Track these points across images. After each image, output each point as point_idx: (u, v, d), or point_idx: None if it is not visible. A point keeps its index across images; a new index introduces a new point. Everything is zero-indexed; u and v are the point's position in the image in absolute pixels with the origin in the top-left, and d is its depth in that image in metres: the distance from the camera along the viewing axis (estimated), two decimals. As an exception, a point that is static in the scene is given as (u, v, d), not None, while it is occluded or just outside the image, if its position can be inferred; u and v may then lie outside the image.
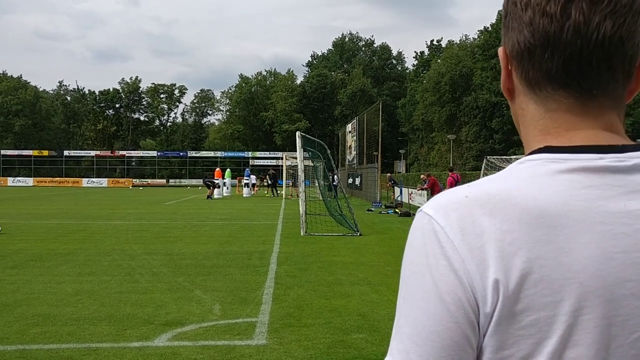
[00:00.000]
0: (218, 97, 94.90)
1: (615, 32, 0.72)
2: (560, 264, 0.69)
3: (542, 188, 0.72)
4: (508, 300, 0.69)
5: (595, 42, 0.72)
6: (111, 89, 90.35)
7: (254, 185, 39.70)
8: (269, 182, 38.98)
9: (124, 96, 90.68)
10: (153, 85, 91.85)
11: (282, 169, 40.17)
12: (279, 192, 38.00)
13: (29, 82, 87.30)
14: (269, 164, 69.17)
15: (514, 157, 16.43)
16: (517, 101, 0.84)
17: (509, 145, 53.40)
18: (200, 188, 57.53)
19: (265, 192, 39.60)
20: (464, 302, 0.70)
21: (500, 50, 0.84)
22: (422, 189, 21.32)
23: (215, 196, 33.95)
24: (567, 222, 0.70)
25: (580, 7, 0.72)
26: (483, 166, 16.85)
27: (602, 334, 0.68)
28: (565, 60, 0.74)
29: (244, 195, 36.53)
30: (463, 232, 0.71)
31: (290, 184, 37.28)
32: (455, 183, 19.11)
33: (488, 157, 17.17)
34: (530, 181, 0.73)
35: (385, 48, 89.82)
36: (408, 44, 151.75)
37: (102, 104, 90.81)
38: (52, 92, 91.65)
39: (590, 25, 0.72)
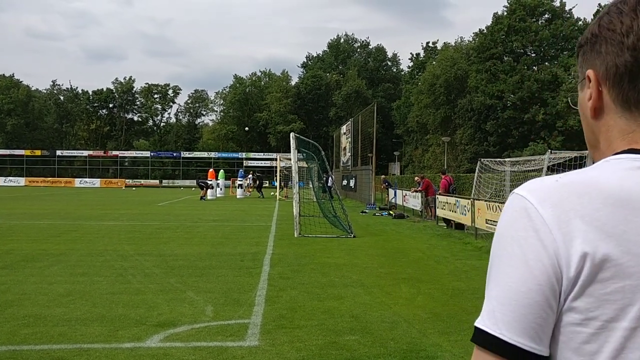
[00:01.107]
0: (212, 98, 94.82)
1: None
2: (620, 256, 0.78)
3: (624, 178, 0.82)
4: (594, 268, 0.78)
5: None
6: (104, 89, 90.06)
7: (248, 185, 39.81)
8: (253, 184, 39.25)
9: (117, 96, 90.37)
10: (147, 86, 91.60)
11: (275, 170, 40.10)
12: (263, 194, 38.27)
13: (21, 81, 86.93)
14: (264, 165, 69.17)
15: (508, 159, 16.48)
16: (605, 118, 0.91)
17: (503, 147, 53.56)
18: (193, 189, 57.43)
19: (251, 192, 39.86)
20: (548, 268, 0.80)
21: (590, 72, 0.91)
22: (416, 191, 21.34)
23: (209, 197, 33.88)
24: None
25: None
26: (477, 169, 16.89)
27: None
28: None
29: (238, 197, 36.47)
30: (553, 207, 0.81)
31: (283, 185, 37.34)
32: (448, 185, 19.15)
33: (482, 159, 17.21)
34: (614, 173, 0.83)
35: (380, 50, 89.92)
36: (403, 46, 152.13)
37: (96, 104, 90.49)
38: (45, 91, 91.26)
39: None
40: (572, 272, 0.79)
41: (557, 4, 58.59)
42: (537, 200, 0.83)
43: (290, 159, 19.66)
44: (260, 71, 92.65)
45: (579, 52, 0.96)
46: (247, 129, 74.64)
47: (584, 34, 0.95)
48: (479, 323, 0.87)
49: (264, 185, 40.78)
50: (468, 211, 14.48)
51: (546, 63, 58.00)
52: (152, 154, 79.42)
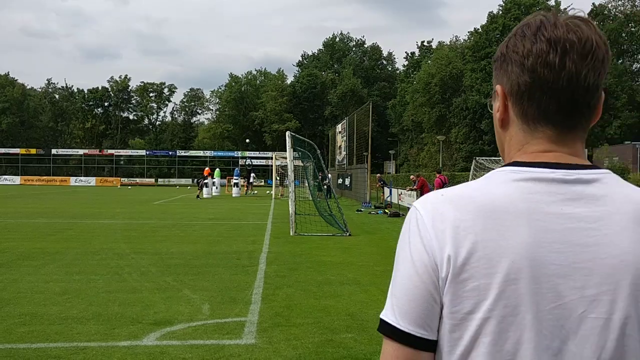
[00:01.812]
0: (208, 97, 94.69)
1: (595, 81, 0.95)
2: (499, 246, 0.91)
3: (497, 190, 0.96)
4: (456, 270, 0.92)
5: (582, 88, 0.95)
6: (100, 88, 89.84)
7: (250, 184, 40.14)
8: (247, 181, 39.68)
9: (112, 95, 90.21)
10: (142, 84, 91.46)
11: (271, 169, 40.16)
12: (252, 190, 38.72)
13: (16, 80, 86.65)
14: (260, 163, 69.10)
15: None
16: (510, 130, 1.04)
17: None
18: (189, 188, 57.34)
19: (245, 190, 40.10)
20: (429, 268, 0.95)
21: (498, 87, 1.03)
22: (412, 190, 21.39)
23: (204, 195, 33.87)
24: (509, 216, 0.92)
25: (573, 60, 0.93)
26: (472, 167, 16.94)
27: (525, 303, 0.90)
28: (561, 102, 0.96)
29: (233, 195, 36.46)
30: (433, 219, 0.96)
31: (279, 183, 37.41)
32: (442, 184, 19.19)
33: (477, 158, 17.26)
34: (490, 185, 0.97)
35: (375, 48, 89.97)
36: (399, 45, 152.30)
37: (91, 103, 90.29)
38: (40, 90, 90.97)
39: (580, 75, 0.94)
40: (443, 272, 0.94)
41: (552, 2, 58.67)
42: (424, 211, 0.98)
43: (286, 158, 19.67)
44: (255, 70, 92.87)
45: (493, 66, 1.06)
46: (247, 140, 74.63)
47: (496, 51, 1.05)
48: (382, 315, 1.02)
49: (255, 184, 41.03)
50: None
51: (541, 62, 58.14)
52: (147, 152, 79.28)
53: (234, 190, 37.13)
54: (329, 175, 23.78)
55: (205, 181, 34.59)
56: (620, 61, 56.73)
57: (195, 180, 35.19)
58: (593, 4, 57.68)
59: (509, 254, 0.91)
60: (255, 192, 40.13)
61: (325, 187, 22.35)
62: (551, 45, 0.94)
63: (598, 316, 0.91)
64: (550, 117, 0.97)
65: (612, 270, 0.91)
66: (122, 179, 70.35)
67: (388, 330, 0.99)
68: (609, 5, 56.74)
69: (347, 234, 14.45)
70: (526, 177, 0.96)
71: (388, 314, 1.00)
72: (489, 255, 0.91)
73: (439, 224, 0.95)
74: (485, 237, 0.92)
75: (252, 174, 41.81)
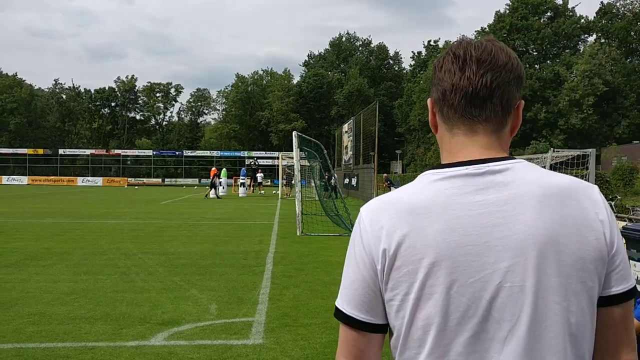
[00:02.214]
0: (214, 97, 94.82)
1: (494, 80, 1.14)
2: (420, 236, 1.10)
3: (419, 192, 1.15)
4: (390, 260, 1.12)
5: (480, 86, 1.14)
6: (107, 88, 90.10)
7: (260, 184, 40.22)
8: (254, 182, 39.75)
9: (119, 95, 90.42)
10: (149, 84, 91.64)
11: (278, 169, 40.20)
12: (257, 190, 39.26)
13: (24, 80, 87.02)
14: (266, 163, 69.16)
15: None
16: (439, 133, 1.25)
17: (504, 146, 53.48)
18: (196, 187, 57.46)
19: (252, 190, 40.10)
20: (367, 263, 1.15)
21: (428, 100, 1.26)
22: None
23: (211, 196, 33.93)
24: (428, 211, 1.11)
25: (471, 66, 1.15)
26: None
27: (448, 279, 1.08)
28: (463, 96, 1.16)
29: (240, 195, 36.50)
30: (371, 222, 1.16)
31: (285, 183, 37.44)
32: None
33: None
34: (415, 188, 1.17)
35: (382, 48, 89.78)
36: (405, 44, 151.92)
37: (98, 103, 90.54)
38: (47, 90, 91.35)
39: (477, 75, 1.14)
40: (379, 265, 1.13)
41: (559, 1, 58.45)
42: (365, 214, 1.19)
43: (292, 158, 19.67)
44: (262, 70, 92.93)
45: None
46: (253, 161, 74.66)
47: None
48: (336, 302, 1.22)
49: (263, 184, 41.07)
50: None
51: (548, 61, 57.93)
52: (154, 152, 79.45)
53: (241, 190, 37.17)
54: (335, 175, 23.77)
55: (218, 180, 34.68)
56: (628, 60, 56.44)
57: (211, 180, 35.30)
58: (601, 2, 57.38)
59: (430, 243, 1.09)
60: (262, 192, 40.14)
61: (330, 186, 22.40)
62: (455, 57, 1.18)
63: (513, 284, 1.07)
64: (460, 113, 1.17)
65: (520, 244, 1.07)
66: (129, 179, 70.54)
67: (339, 315, 1.20)
68: (618, 4, 56.40)
69: (354, 234, 14.43)
70: (443, 177, 1.15)
71: (338, 301, 1.21)
72: (414, 245, 1.10)
73: (376, 225, 1.15)
74: (410, 231, 1.11)
75: (260, 174, 41.82)
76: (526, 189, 1.10)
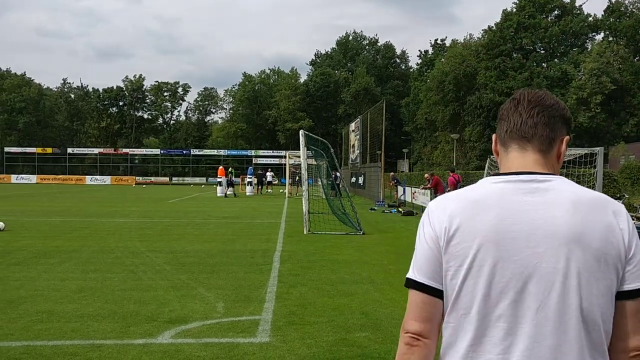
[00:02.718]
0: (221, 96, 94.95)
1: (539, 115, 1.52)
2: (476, 222, 1.42)
3: (478, 189, 1.50)
4: (450, 238, 1.43)
5: (528, 117, 1.53)
6: (115, 87, 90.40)
7: (270, 183, 40.28)
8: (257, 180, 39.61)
9: (127, 94, 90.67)
10: (157, 84, 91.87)
11: (285, 167, 40.20)
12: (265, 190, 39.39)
13: (32, 80, 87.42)
14: (272, 162, 69.21)
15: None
16: (500, 154, 1.61)
17: (512, 144, 53.26)
18: (203, 186, 57.56)
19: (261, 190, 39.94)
20: (433, 239, 1.46)
21: (494, 135, 1.64)
22: (426, 188, 21.30)
23: (218, 194, 34.00)
24: (484, 204, 1.44)
25: (523, 105, 1.54)
26: (487, 165, 16.82)
27: (495, 257, 1.39)
28: (515, 124, 1.54)
29: (247, 194, 36.57)
30: (438, 208, 1.50)
31: (291, 182, 37.47)
32: (456, 183, 19.07)
33: (491, 156, 17.13)
34: (475, 186, 1.52)
35: (389, 47, 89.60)
36: (412, 43, 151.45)
37: (106, 102, 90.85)
38: (55, 89, 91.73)
39: (527, 111, 1.53)
40: (442, 241, 1.45)
41: (567, 0, 58.13)
42: (434, 203, 1.54)
43: (299, 157, 19.67)
44: (269, 69, 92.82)
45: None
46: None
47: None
48: (407, 274, 1.52)
49: (273, 183, 41.00)
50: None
51: (555, 60, 57.64)
52: (162, 151, 79.74)
53: (248, 188, 37.25)
54: (339, 174, 23.76)
55: (220, 180, 34.74)
56: (637, 58, 56.05)
57: (227, 179, 35.46)
58: (609, 0, 57.01)
59: (483, 228, 1.41)
60: (270, 190, 40.19)
61: (336, 185, 22.39)
62: (513, 101, 1.57)
63: (547, 265, 1.37)
64: (515, 136, 1.54)
65: (554, 236, 1.37)
66: (136, 177, 70.79)
67: (410, 283, 1.50)
68: (626, 2, 56.03)
69: (361, 232, 14.43)
70: (499, 181, 1.48)
71: (410, 273, 1.51)
72: (470, 228, 1.42)
73: (441, 210, 1.48)
74: (468, 217, 1.43)
75: (270, 173, 41.83)
76: (562, 195, 1.42)
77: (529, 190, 1.43)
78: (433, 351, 1.48)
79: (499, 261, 1.37)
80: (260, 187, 38.95)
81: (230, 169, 38.64)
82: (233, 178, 35.41)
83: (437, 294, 1.45)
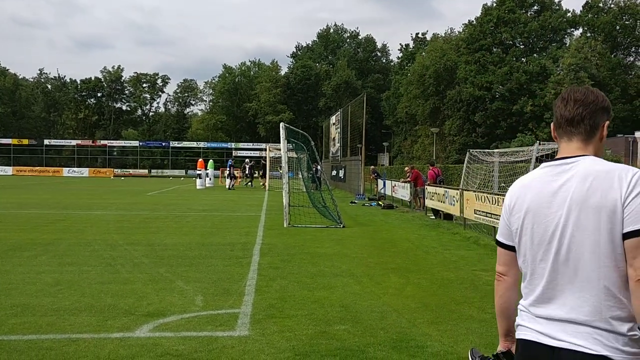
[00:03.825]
0: (201, 87, 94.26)
1: (583, 112, 1.98)
2: (525, 199, 2.03)
3: (531, 174, 2.12)
4: (511, 210, 2.09)
5: (575, 114, 1.99)
6: (93, 78, 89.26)
7: (251, 174, 39.84)
8: (247, 173, 39.26)
9: (105, 85, 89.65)
10: (135, 75, 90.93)
11: (264, 160, 40.00)
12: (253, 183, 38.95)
13: (7, 69, 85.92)
14: (252, 155, 68.99)
15: (497, 150, 16.56)
16: (558, 142, 2.07)
17: (491, 139, 53.73)
18: (182, 179, 57.19)
19: (246, 183, 39.61)
20: (507, 212, 2.12)
21: (552, 124, 2.12)
22: (405, 182, 21.39)
23: (198, 187, 33.78)
24: (529, 185, 2.05)
25: (570, 103, 2.01)
26: (466, 159, 16.94)
27: (532, 221, 2.00)
28: (565, 120, 2.02)
29: (227, 187, 36.39)
30: (511, 190, 2.14)
31: (262, 173, 37.45)
32: (435, 177, 19.20)
33: (471, 150, 17.26)
34: (531, 173, 2.11)
35: (370, 40, 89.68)
36: (393, 37, 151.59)
37: (84, 93, 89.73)
38: (32, 80, 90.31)
39: (573, 110, 2.00)
40: (508, 214, 2.11)
41: (546, -5, 58.59)
42: (507, 192, 2.15)
43: (279, 149, 19.61)
44: (249, 61, 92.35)
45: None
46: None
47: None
48: (496, 236, 2.25)
49: (254, 175, 40.68)
50: (457, 201, 14.54)
51: (534, 55, 58.16)
52: (140, 143, 78.96)
53: (228, 181, 37.07)
54: (319, 166, 23.73)
55: (199, 172, 34.53)
56: (614, 54, 56.80)
57: (228, 172, 35.37)
58: (588, -4, 57.60)
59: (526, 201, 2.03)
60: (249, 183, 39.98)
61: (317, 178, 22.38)
62: (562, 100, 2.05)
63: (565, 223, 1.90)
64: (564, 129, 2.04)
65: (570, 201, 1.89)
66: (115, 169, 70.09)
67: (497, 243, 2.20)
68: (604, -2, 56.71)
69: (341, 225, 14.45)
70: (545, 166, 2.04)
71: (497, 234, 2.22)
72: (521, 203, 2.05)
73: (508, 194, 2.15)
74: (520, 197, 2.06)
75: (249, 164, 41.46)
76: (579, 171, 1.92)
77: (559, 171, 1.97)
78: (512, 284, 2.17)
79: (535, 224, 1.99)
80: (245, 177, 38.74)
81: (210, 161, 38.43)
82: (233, 171, 35.56)
83: (510, 248, 2.12)
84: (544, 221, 1.95)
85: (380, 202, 23.28)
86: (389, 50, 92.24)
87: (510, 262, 2.12)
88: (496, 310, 2.25)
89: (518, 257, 2.08)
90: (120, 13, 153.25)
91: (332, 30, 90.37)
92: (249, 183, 38.92)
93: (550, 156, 13.94)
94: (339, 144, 37.62)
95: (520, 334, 2.06)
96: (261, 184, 37.56)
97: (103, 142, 79.31)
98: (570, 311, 1.90)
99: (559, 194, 1.92)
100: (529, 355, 2.01)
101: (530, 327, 2.01)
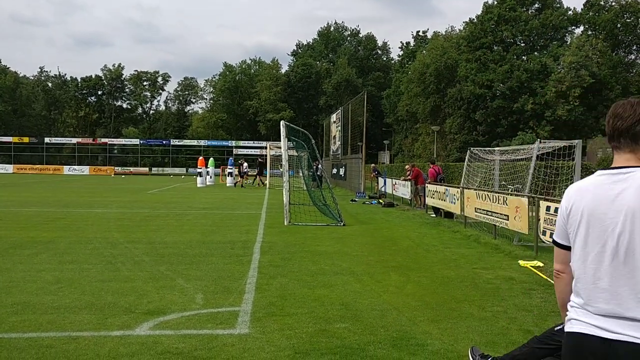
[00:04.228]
0: (202, 86, 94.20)
1: (622, 126, 2.20)
2: (581, 203, 2.23)
3: (587, 180, 2.29)
4: (568, 213, 2.30)
5: (615, 130, 2.24)
6: (93, 76, 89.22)
7: (246, 173, 39.29)
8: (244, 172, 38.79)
9: (106, 83, 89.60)
10: (136, 73, 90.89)
11: (265, 158, 39.92)
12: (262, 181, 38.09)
13: (8, 68, 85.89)
14: (253, 153, 68.93)
15: (498, 148, 16.54)
16: (614, 151, 2.28)
17: (492, 137, 53.68)
18: (183, 177, 57.20)
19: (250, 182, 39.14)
20: (563, 214, 2.33)
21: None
22: (406, 180, 21.38)
23: (198, 185, 33.77)
24: (586, 190, 2.25)
25: (615, 118, 2.24)
26: (467, 158, 16.92)
27: (588, 224, 2.21)
28: (613, 133, 2.25)
29: (227, 185, 36.37)
30: (564, 195, 2.36)
31: (258, 171, 37.17)
32: (436, 175, 19.18)
33: (471, 148, 17.23)
34: (588, 178, 2.30)
35: (370, 38, 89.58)
36: (394, 35, 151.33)
37: (84, 91, 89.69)
38: (32, 78, 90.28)
39: (613, 124, 2.27)
40: (565, 216, 2.31)
41: (547, -8, 58.47)
42: (565, 194, 2.35)
43: (280, 147, 19.60)
44: (250, 59, 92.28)
45: None
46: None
47: None
48: (553, 236, 2.45)
49: (250, 174, 40.43)
50: (457, 200, 14.53)
51: (535, 53, 58.07)
52: (141, 141, 78.95)
53: (228, 179, 37.04)
54: (320, 165, 23.71)
55: (200, 171, 34.51)
56: (615, 52, 56.71)
57: (239, 170, 35.42)
58: (588, -6, 57.50)
59: (583, 206, 2.20)
60: (248, 181, 39.94)
61: (317, 176, 22.36)
62: (610, 115, 2.24)
63: (615, 228, 2.11)
64: (613, 142, 2.24)
65: (626, 209, 2.09)
66: (115, 168, 70.12)
67: (554, 242, 2.41)
68: (605, -4, 56.60)
69: (342, 224, 14.44)
70: (600, 174, 2.22)
71: (554, 235, 2.41)
72: (577, 206, 2.23)
73: (565, 197, 2.33)
74: (577, 200, 2.24)
75: (244, 163, 41.24)
76: (634, 182, 2.10)
77: (615, 180, 2.16)
78: (570, 281, 2.34)
79: (590, 227, 2.18)
80: (259, 177, 37.76)
81: (210, 159, 38.40)
82: (244, 169, 35.73)
83: (567, 247, 2.33)
84: (601, 225, 2.15)
85: (380, 201, 23.27)
86: (389, 48, 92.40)
87: (567, 260, 2.35)
88: (559, 304, 2.53)
89: (572, 256, 2.28)
90: (119, 11, 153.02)
91: (332, 29, 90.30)
92: (252, 182, 38.77)
93: (551, 154, 13.95)
94: (339, 142, 37.59)
95: (572, 327, 2.24)
96: (258, 183, 37.24)
97: (104, 140, 79.30)
98: (626, 309, 2.07)
99: (616, 201, 2.12)
100: (580, 347, 2.18)
101: (584, 320, 2.19)
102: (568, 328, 2.26)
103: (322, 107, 78.70)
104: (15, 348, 4.72)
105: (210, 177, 37.04)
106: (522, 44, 59.45)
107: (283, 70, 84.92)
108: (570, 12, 58.77)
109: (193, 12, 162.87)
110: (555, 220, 9.70)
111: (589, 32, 56.36)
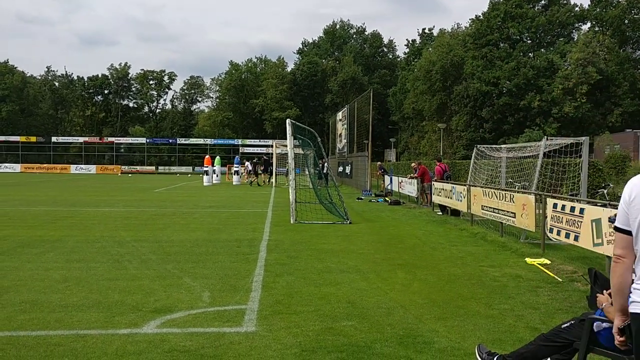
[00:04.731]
0: (208, 84, 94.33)
1: None
2: (637, 195, 2.73)
3: None
4: (629, 201, 2.74)
5: None
6: (100, 75, 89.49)
7: (250, 172, 39.15)
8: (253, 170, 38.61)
9: (112, 82, 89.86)
10: (142, 72, 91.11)
11: (271, 156, 39.90)
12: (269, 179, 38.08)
13: (16, 67, 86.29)
14: (259, 151, 68.99)
15: (504, 146, 16.47)
16: None
17: (498, 134, 53.53)
18: (189, 175, 57.31)
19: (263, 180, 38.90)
20: (626, 200, 2.76)
21: None
22: (412, 178, 21.35)
23: (205, 183, 33.84)
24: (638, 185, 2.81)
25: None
26: (473, 155, 16.86)
27: None
28: None
29: (234, 183, 36.42)
30: (626, 186, 2.81)
31: (262, 170, 37.09)
32: (442, 172, 19.14)
33: (478, 146, 17.17)
34: None
35: (376, 36, 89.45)
36: (399, 32, 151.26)
37: (91, 90, 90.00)
38: (39, 77, 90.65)
39: None
40: (626, 204, 2.74)
41: (554, -11, 58.21)
42: (626, 185, 2.80)
43: (286, 146, 19.61)
44: (256, 57, 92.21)
45: None
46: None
47: None
48: (615, 223, 2.80)
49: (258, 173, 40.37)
50: (464, 197, 14.50)
51: (542, 49, 57.87)
52: (148, 140, 79.17)
53: (235, 178, 37.08)
54: (326, 163, 23.69)
55: (206, 169, 34.58)
56: (622, 49, 56.40)
57: (249, 169, 35.59)
58: (595, -10, 57.19)
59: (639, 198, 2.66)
60: (252, 179, 39.92)
61: (323, 174, 22.35)
62: None
63: None
64: None
65: None
66: (122, 166, 70.36)
67: (616, 228, 2.69)
68: (612, -8, 56.29)
69: (348, 222, 14.44)
70: None
71: (616, 221, 2.72)
72: (637, 196, 2.64)
73: (627, 187, 2.72)
74: (636, 191, 2.65)
75: (249, 162, 41.16)
76: None
77: None
78: (629, 265, 2.55)
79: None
80: (269, 175, 37.40)
81: (217, 157, 38.43)
82: (257, 167, 36.09)
83: (628, 232, 2.57)
84: None
85: (387, 198, 23.25)
86: (395, 45, 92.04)
87: (628, 245, 2.57)
88: (612, 289, 2.66)
89: (635, 242, 2.53)
90: (124, 9, 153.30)
91: (338, 27, 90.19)
92: (258, 180, 38.73)
93: (558, 151, 13.87)
94: (345, 140, 37.57)
95: (636, 308, 2.51)
96: (264, 180, 37.18)
97: (110, 139, 79.55)
98: None
99: None
100: None
101: None
102: (633, 309, 2.51)
103: (328, 105, 78.67)
104: (24, 346, 4.75)
105: (217, 175, 37.10)
106: (529, 41, 59.24)
107: (289, 69, 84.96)
108: (577, 9, 58.52)
109: (197, 10, 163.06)
110: (562, 218, 9.71)
111: (596, 29, 56.11)
